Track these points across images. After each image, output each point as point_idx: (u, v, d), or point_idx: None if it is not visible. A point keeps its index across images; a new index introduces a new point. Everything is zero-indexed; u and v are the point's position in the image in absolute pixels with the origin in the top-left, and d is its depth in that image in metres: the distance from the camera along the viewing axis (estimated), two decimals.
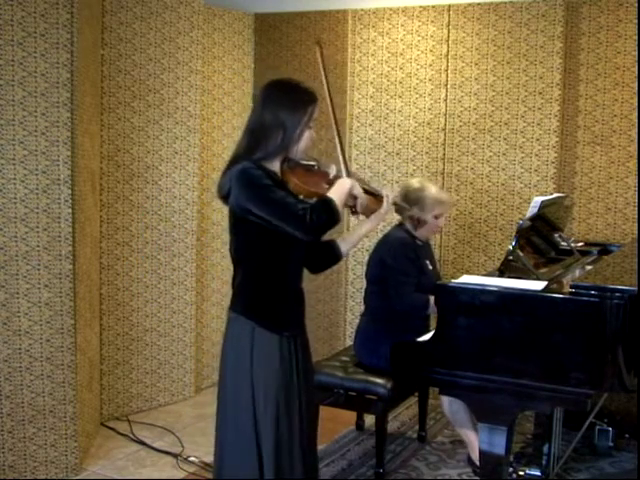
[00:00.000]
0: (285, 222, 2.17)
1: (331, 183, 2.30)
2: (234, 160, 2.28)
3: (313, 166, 2.35)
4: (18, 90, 3.07)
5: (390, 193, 2.44)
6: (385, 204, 2.41)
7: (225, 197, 2.27)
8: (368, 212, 2.42)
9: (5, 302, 3.13)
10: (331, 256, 2.49)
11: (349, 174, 2.35)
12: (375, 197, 2.43)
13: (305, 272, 2.46)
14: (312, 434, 2.51)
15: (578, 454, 3.58)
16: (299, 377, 2.34)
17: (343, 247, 2.49)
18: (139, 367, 4.15)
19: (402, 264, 3.39)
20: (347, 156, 4.58)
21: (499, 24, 4.21)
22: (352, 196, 2.28)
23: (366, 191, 2.38)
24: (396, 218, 3.68)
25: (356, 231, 2.54)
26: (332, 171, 2.36)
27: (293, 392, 2.31)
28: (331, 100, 2.40)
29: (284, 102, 2.27)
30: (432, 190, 3.45)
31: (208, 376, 4.64)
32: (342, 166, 2.36)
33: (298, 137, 2.27)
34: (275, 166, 2.29)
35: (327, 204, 2.17)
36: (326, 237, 2.36)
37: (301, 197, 2.27)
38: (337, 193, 2.22)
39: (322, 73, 2.38)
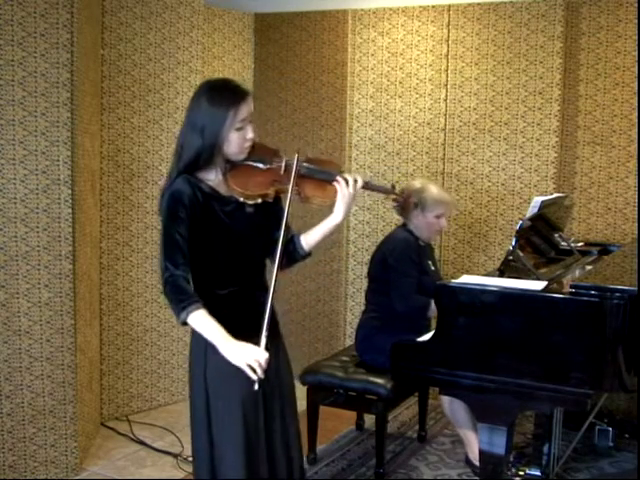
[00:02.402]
0: (159, 263, 2.11)
1: (282, 179, 2.18)
2: (167, 176, 2.20)
3: (258, 164, 2.19)
4: (18, 90, 3.07)
5: (350, 177, 2.22)
6: (339, 191, 2.20)
7: None
8: (322, 203, 2.25)
9: (5, 302, 3.13)
10: (290, 255, 2.31)
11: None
12: (330, 185, 2.23)
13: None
14: (293, 436, 2.38)
15: (578, 454, 3.57)
16: (266, 380, 2.20)
17: (305, 245, 2.31)
18: (139, 367, 4.15)
19: (404, 265, 3.39)
20: (347, 156, 4.58)
21: (499, 24, 4.21)
22: None
23: (317, 179, 2.23)
24: (395, 217, 3.68)
25: (321, 226, 2.29)
26: (283, 165, 2.20)
27: (255, 396, 2.20)
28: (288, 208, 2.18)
29: (203, 105, 2.12)
30: (433, 190, 3.46)
31: None
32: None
33: (223, 142, 2.11)
34: (211, 174, 2.18)
35: (183, 303, 2.03)
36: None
37: (242, 199, 2.17)
38: (209, 329, 2.04)
39: (292, 180, 2.17)
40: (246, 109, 2.13)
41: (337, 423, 3.90)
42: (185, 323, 2.06)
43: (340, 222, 2.26)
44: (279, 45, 4.73)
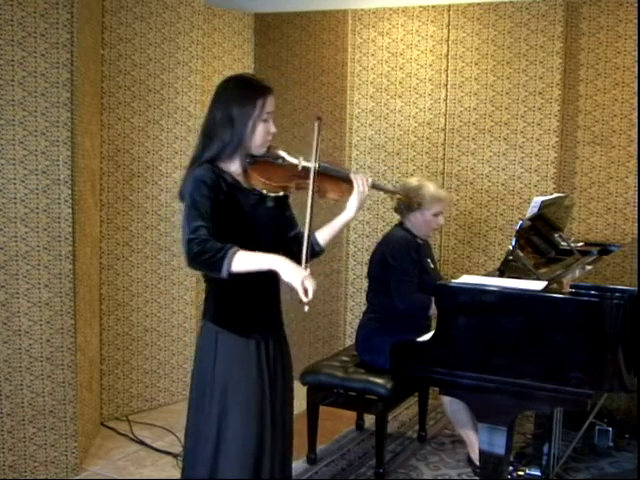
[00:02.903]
0: (181, 242, 2.10)
1: (300, 175, 2.25)
2: (190, 163, 2.22)
3: (277, 160, 2.27)
4: (18, 90, 3.07)
5: (364, 177, 2.33)
6: (356, 188, 2.30)
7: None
8: (337, 198, 2.35)
9: (5, 302, 3.13)
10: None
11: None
12: (344, 182, 2.34)
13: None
14: (289, 436, 2.39)
15: (578, 454, 3.58)
16: (272, 379, 2.26)
17: (321, 240, 2.38)
18: (139, 367, 4.15)
19: (404, 264, 3.40)
20: (347, 156, 4.58)
21: (499, 24, 4.21)
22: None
23: (333, 176, 2.33)
24: (396, 218, 3.68)
25: (334, 222, 2.39)
26: (300, 162, 2.27)
27: (263, 394, 2.22)
28: (314, 175, 2.23)
29: (232, 97, 2.19)
30: (430, 188, 3.48)
31: None
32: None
33: (251, 132, 2.18)
34: (233, 165, 2.22)
35: (219, 253, 2.01)
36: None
37: (265, 192, 2.22)
38: (257, 257, 2.06)
39: (314, 145, 2.25)
40: (271, 102, 2.22)
41: (337, 423, 3.90)
42: (229, 273, 2.03)
43: (353, 217, 2.37)
44: (279, 45, 4.73)
